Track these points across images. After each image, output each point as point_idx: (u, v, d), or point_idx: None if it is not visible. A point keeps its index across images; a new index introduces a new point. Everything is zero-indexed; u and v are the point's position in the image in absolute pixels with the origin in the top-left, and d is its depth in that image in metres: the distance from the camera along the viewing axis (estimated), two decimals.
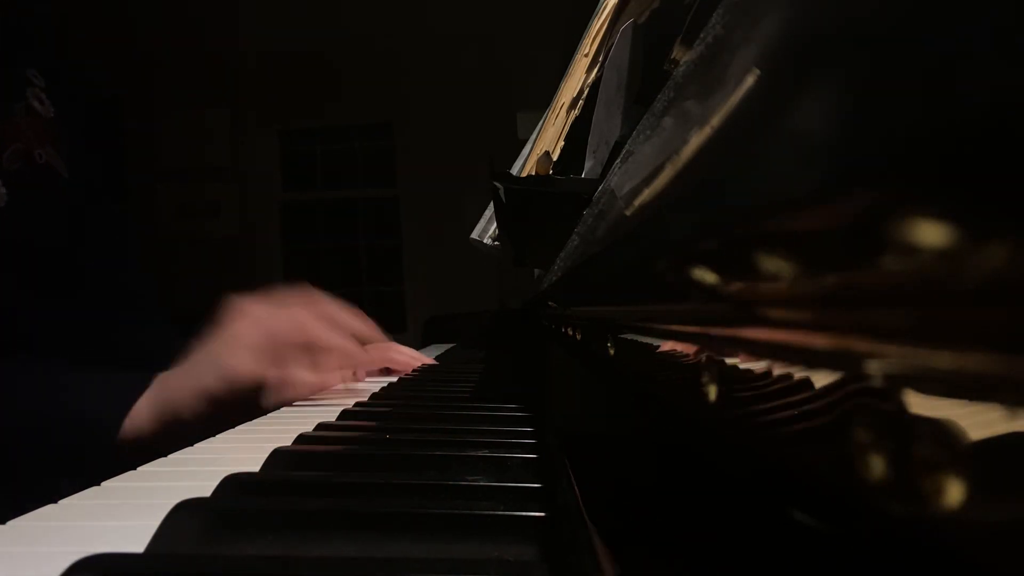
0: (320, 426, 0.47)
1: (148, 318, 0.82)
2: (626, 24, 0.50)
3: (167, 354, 0.66)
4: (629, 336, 0.26)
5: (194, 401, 0.61)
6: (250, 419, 0.56)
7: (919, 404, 0.08)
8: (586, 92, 0.60)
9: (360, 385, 0.75)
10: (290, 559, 0.24)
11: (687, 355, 0.18)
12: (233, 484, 0.30)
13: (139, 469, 0.38)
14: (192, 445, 0.45)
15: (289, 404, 0.62)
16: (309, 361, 0.63)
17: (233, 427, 0.51)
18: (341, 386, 0.66)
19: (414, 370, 0.89)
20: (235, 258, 3.95)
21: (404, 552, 0.25)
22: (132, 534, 0.25)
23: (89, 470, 0.60)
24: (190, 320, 0.67)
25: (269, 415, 0.59)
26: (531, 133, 0.83)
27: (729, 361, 0.15)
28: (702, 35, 0.15)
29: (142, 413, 0.61)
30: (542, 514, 0.26)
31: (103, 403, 0.62)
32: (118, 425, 0.60)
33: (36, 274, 0.72)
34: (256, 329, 0.63)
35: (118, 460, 0.59)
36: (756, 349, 0.13)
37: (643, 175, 0.20)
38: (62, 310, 0.72)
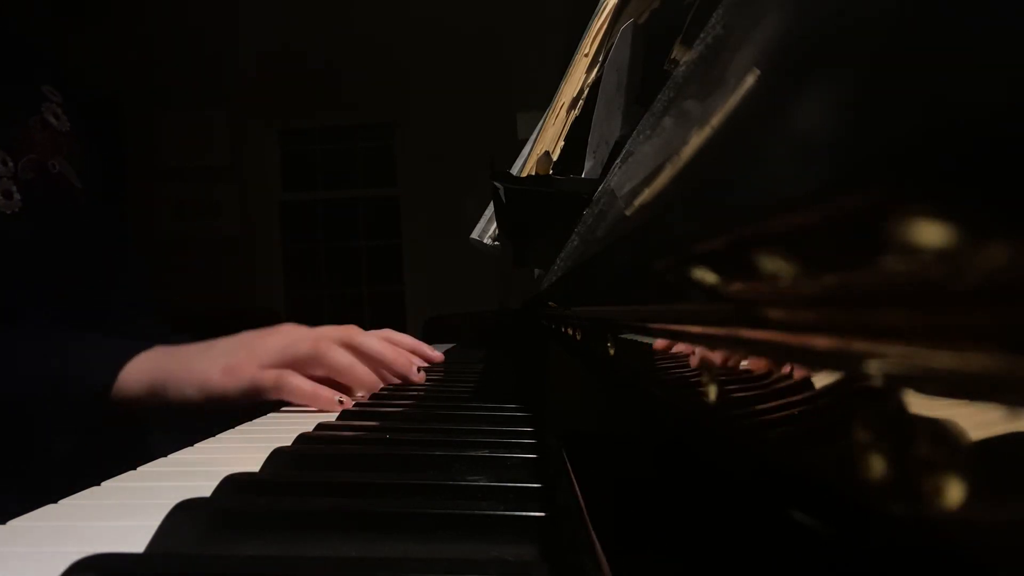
0: (320, 426, 0.47)
1: (144, 322, 0.86)
2: (626, 24, 0.50)
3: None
4: (629, 336, 0.26)
5: (188, 386, 0.62)
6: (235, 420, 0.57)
7: (919, 404, 0.08)
8: (586, 92, 0.60)
9: None
10: (290, 559, 0.23)
11: (687, 355, 0.18)
12: (233, 484, 0.30)
13: (139, 469, 0.38)
14: (193, 445, 0.45)
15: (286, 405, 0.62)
16: (313, 373, 0.64)
17: (232, 427, 0.51)
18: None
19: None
20: (235, 258, 3.95)
21: (404, 552, 0.25)
22: (132, 534, 0.25)
23: (84, 426, 0.63)
24: (189, 319, 0.70)
25: (269, 415, 0.59)
26: (531, 133, 0.83)
27: (729, 361, 0.15)
28: (702, 35, 0.15)
29: (141, 378, 0.64)
30: (542, 514, 0.26)
31: (101, 361, 0.65)
32: (110, 383, 0.63)
33: (44, 278, 0.75)
34: (276, 337, 0.65)
35: (107, 421, 0.63)
36: (756, 349, 0.13)
37: (643, 175, 0.20)
38: (63, 313, 0.76)
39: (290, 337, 0.65)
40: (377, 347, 0.68)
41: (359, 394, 0.65)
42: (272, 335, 0.66)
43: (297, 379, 0.61)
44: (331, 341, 0.65)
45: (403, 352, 0.71)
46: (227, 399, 0.62)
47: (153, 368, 0.64)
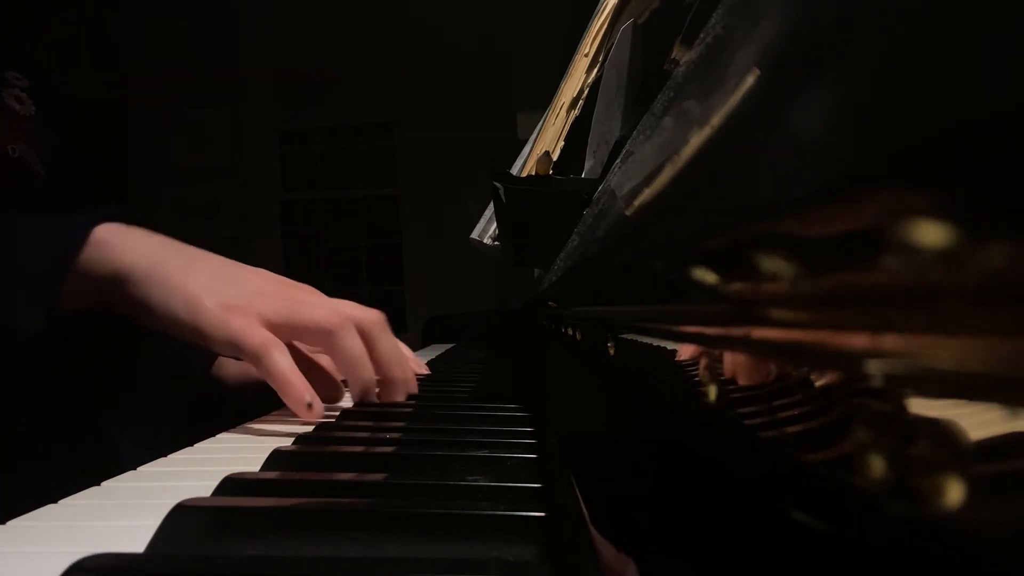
0: (320, 426, 0.47)
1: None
2: (626, 24, 0.50)
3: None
4: (629, 336, 0.26)
5: (177, 296, 0.50)
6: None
7: (919, 404, 0.08)
8: (586, 92, 0.60)
9: None
10: (290, 559, 0.23)
11: (687, 355, 0.18)
12: (233, 484, 0.30)
13: (139, 469, 0.38)
14: (192, 445, 0.45)
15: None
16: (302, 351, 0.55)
17: (233, 425, 0.51)
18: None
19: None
20: (235, 258, 3.93)
21: (404, 552, 0.25)
22: (132, 534, 0.25)
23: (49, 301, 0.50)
24: None
25: (270, 414, 0.59)
26: (531, 133, 0.83)
27: (729, 361, 0.15)
28: (702, 35, 0.15)
29: (123, 259, 0.51)
30: (542, 514, 0.26)
31: (54, 227, 0.52)
32: (67, 257, 0.49)
33: None
34: (292, 292, 0.54)
35: (60, 329, 0.50)
36: (756, 349, 0.13)
37: (643, 175, 0.20)
38: None
39: (308, 299, 0.53)
40: (393, 354, 0.55)
41: (341, 401, 0.53)
42: (288, 288, 0.53)
43: (283, 357, 0.48)
44: (351, 321, 0.52)
45: (410, 370, 0.59)
46: (204, 339, 0.49)
47: (144, 251, 0.51)
